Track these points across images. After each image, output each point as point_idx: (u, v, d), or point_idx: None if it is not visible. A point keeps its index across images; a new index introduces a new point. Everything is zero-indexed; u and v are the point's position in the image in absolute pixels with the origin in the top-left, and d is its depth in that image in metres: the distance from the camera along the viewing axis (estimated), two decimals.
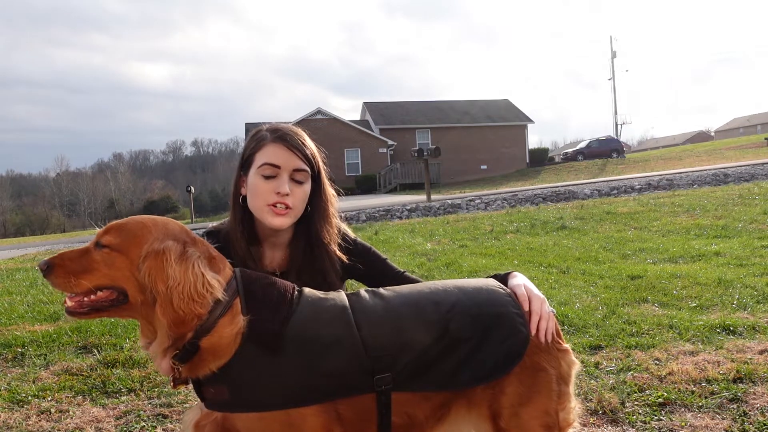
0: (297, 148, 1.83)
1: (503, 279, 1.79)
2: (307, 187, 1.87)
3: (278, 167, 1.80)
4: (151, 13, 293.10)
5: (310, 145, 1.90)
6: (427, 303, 1.60)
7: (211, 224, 2.00)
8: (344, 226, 2.03)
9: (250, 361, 1.45)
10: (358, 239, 2.04)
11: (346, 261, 1.93)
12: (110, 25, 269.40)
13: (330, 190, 1.97)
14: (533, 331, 1.61)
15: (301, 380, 1.45)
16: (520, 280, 1.75)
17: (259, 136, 1.88)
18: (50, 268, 1.45)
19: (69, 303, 1.47)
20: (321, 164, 1.93)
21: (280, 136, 1.84)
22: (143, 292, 1.45)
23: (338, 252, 1.92)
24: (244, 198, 1.88)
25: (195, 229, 1.63)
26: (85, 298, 1.47)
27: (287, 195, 1.79)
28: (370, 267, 2.01)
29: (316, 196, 1.90)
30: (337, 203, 2.00)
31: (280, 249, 1.95)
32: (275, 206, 1.79)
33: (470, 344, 1.55)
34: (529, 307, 1.65)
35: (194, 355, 1.45)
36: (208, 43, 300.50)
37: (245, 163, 1.88)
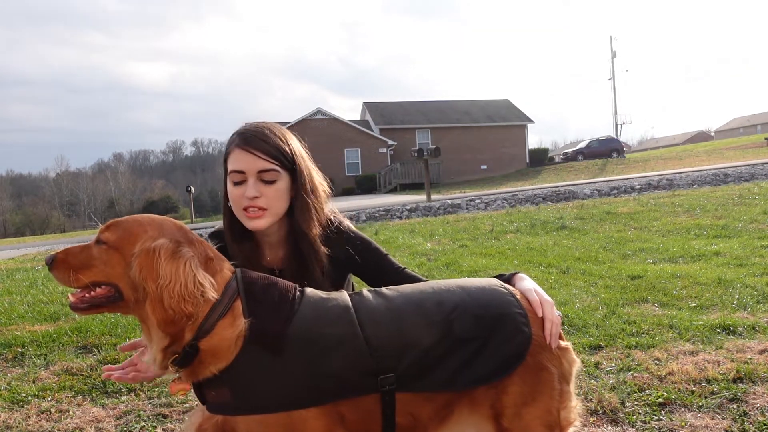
0: (259, 149, 1.81)
1: (508, 280, 1.78)
2: (281, 184, 1.84)
3: (243, 173, 1.81)
4: (150, 12, 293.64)
5: (276, 141, 1.85)
6: (430, 303, 1.59)
7: (218, 225, 2.00)
8: (344, 219, 2.01)
9: (252, 362, 1.44)
10: (359, 232, 2.01)
11: (329, 254, 1.90)
12: (108, 24, 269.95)
13: (315, 179, 1.93)
14: (547, 338, 1.60)
15: (304, 381, 1.44)
16: (529, 284, 1.73)
17: (229, 140, 1.88)
18: (54, 262, 1.49)
19: (72, 299, 1.51)
20: (297, 155, 1.88)
21: (242, 139, 1.83)
22: (136, 289, 1.45)
23: (322, 246, 1.89)
24: None
25: (195, 229, 1.64)
26: (86, 294, 1.49)
27: (257, 198, 1.79)
28: (368, 261, 1.98)
29: (295, 187, 1.88)
30: (326, 191, 1.97)
31: (279, 247, 1.94)
32: (248, 210, 1.81)
33: (474, 344, 1.55)
34: (542, 313, 1.64)
35: (194, 358, 1.44)
36: (207, 42, 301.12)
37: (225, 169, 1.89)
